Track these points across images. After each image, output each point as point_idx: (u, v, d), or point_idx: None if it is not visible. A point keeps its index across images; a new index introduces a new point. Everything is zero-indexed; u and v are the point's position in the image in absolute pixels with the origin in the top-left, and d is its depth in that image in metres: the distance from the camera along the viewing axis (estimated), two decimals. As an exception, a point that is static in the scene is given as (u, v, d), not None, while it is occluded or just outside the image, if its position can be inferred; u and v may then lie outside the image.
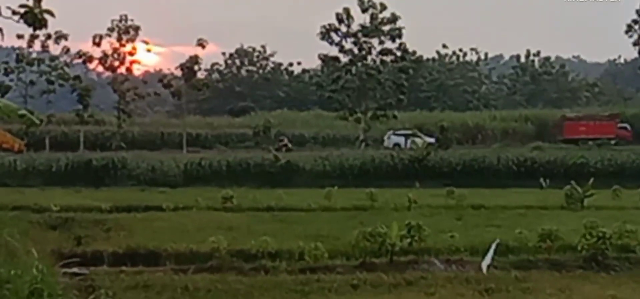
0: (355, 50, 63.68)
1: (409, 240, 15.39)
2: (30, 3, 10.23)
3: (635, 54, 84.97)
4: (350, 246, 15.84)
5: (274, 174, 40.17)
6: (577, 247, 14.96)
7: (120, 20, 67.98)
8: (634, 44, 77.75)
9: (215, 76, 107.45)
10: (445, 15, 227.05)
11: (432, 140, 66.20)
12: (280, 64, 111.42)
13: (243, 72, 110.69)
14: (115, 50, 67.92)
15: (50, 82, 67.54)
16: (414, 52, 69.46)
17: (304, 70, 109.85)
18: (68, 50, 69.47)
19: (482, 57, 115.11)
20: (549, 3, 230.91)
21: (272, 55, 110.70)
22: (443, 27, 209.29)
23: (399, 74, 64.30)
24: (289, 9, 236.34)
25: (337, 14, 63.51)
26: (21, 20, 10.33)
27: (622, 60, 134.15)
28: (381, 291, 12.70)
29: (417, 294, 12.49)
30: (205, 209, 24.44)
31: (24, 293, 9.42)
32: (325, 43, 64.51)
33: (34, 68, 69.00)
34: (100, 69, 73.05)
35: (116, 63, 68.32)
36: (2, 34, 10.70)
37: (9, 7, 10.24)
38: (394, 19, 62.35)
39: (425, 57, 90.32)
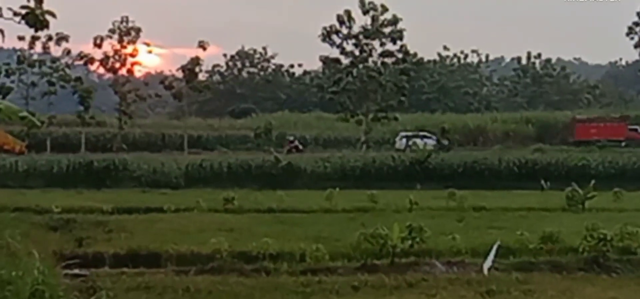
0: (357, 52, 63.68)
1: (410, 242, 15.37)
2: (32, 4, 10.21)
3: (636, 56, 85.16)
4: (352, 248, 15.85)
5: (275, 176, 40.20)
6: (579, 249, 14.94)
7: (121, 22, 68.10)
8: (635, 46, 77.93)
9: (217, 77, 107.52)
10: (446, 18, 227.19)
11: (444, 142, 66.50)
12: (282, 66, 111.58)
13: (244, 73, 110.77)
14: (116, 51, 67.99)
15: (52, 84, 67.56)
16: (415, 54, 69.51)
17: (305, 72, 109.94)
18: (69, 51, 69.59)
19: (483, 59, 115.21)
20: (550, 5, 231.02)
21: (273, 57, 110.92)
22: (444, 29, 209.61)
23: (400, 76, 64.28)
24: (290, 11, 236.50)
25: (338, 16, 63.54)
26: (22, 22, 10.30)
27: (623, 63, 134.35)
28: (382, 292, 12.69)
29: (418, 296, 12.48)
30: (207, 210, 24.45)
31: (25, 294, 9.41)
32: (326, 45, 64.57)
33: (35, 70, 69.04)
34: (101, 70, 73.24)
35: (117, 65, 68.40)
36: (3, 36, 10.68)
37: (10, 8, 10.23)
38: (395, 21, 62.34)
39: (426, 59, 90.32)
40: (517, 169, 41.95)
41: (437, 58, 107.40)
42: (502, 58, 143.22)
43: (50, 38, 67.23)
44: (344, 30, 63.82)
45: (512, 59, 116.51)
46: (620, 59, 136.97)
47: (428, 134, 67.35)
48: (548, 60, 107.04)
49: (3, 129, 15.37)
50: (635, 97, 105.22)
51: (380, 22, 62.43)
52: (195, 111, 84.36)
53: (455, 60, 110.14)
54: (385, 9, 62.16)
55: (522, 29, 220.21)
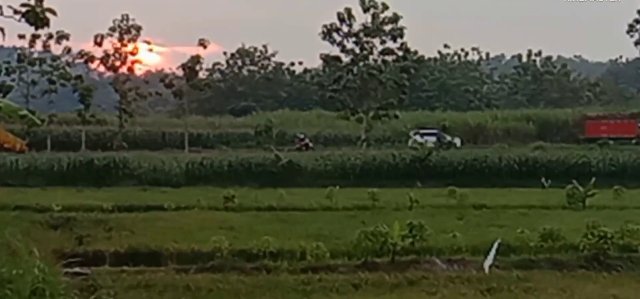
0: (357, 50, 63.63)
1: (410, 240, 15.39)
2: (32, 2, 10.21)
3: (637, 54, 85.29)
4: (352, 246, 15.85)
5: (276, 174, 40.15)
6: (579, 246, 14.96)
7: (121, 20, 68.10)
8: (636, 44, 77.76)
9: (217, 75, 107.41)
10: (446, 15, 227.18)
11: (456, 140, 66.54)
12: (282, 64, 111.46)
13: (245, 72, 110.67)
14: (116, 50, 67.99)
15: (52, 82, 67.54)
16: (416, 52, 69.36)
17: (306, 70, 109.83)
18: (70, 50, 69.58)
19: (484, 56, 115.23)
20: (551, 3, 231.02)
21: (273, 55, 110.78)
22: (444, 27, 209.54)
23: (401, 73, 64.22)
24: (291, 9, 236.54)
25: (339, 14, 63.49)
26: (23, 20, 10.30)
27: (623, 60, 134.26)
28: (383, 290, 12.69)
29: (418, 293, 12.48)
30: (207, 209, 24.45)
31: (25, 292, 9.41)
32: (326, 43, 64.48)
33: (36, 68, 69.01)
34: (101, 68, 73.25)
35: (118, 63, 68.41)
36: (4, 34, 10.68)
37: (10, 6, 10.23)
38: (395, 18, 62.27)
39: (426, 57, 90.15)
40: (518, 166, 41.89)
41: (438, 56, 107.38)
42: (503, 56, 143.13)
43: (50, 36, 67.25)
44: (345, 28, 63.76)
45: (513, 57, 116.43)
46: (621, 57, 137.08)
47: (443, 133, 67.46)
48: (548, 58, 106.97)
49: (3, 128, 15.37)
50: (636, 95, 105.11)
51: (380, 19, 62.36)
52: (195, 109, 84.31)
53: (455, 58, 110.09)
54: (385, 7, 62.10)
55: (522, 26, 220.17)
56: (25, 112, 13.40)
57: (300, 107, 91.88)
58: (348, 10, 63.21)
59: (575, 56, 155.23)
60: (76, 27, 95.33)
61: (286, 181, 37.23)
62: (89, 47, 68.01)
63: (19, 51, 69.15)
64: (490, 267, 14.18)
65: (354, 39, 63.44)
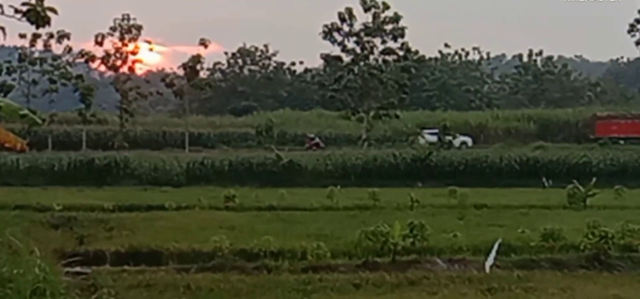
0: (358, 50, 63.76)
1: (411, 239, 15.39)
2: (33, 1, 10.20)
3: (638, 54, 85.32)
4: (353, 246, 15.85)
5: (276, 174, 40.16)
6: (580, 246, 14.94)
7: (122, 20, 68.13)
8: (637, 44, 77.80)
9: (218, 75, 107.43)
10: (447, 15, 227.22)
11: (468, 139, 66.47)
12: (283, 64, 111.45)
13: (245, 71, 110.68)
14: (117, 49, 68.03)
15: (53, 82, 67.65)
16: (417, 52, 69.44)
17: (307, 70, 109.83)
18: (70, 49, 69.73)
19: (485, 56, 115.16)
20: (552, 2, 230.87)
21: (274, 54, 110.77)
22: (445, 27, 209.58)
23: (402, 73, 64.34)
24: (292, 9, 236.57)
25: (340, 14, 63.60)
26: (24, 19, 10.30)
27: (624, 60, 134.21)
28: (383, 290, 12.68)
29: (419, 293, 12.47)
30: (208, 208, 24.44)
31: (26, 292, 9.41)
32: (327, 42, 64.71)
33: (37, 67, 69.14)
34: (102, 68, 73.27)
35: (118, 62, 68.45)
36: (5, 33, 10.67)
37: (11, 6, 10.22)
38: (396, 18, 62.38)
39: (427, 57, 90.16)
40: (519, 166, 41.88)
41: (439, 55, 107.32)
42: (504, 55, 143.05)
43: (51, 36, 67.41)
44: (345, 28, 63.93)
45: (514, 57, 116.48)
46: (622, 57, 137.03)
47: (453, 132, 67.46)
48: (549, 58, 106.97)
49: (4, 127, 15.37)
50: (636, 95, 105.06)
51: (381, 19, 62.48)
52: (196, 108, 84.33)
53: (456, 57, 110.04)
54: (386, 7, 62.21)
55: (523, 26, 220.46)
56: (26, 111, 13.40)
57: (301, 107, 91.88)
58: (349, 10, 63.33)
59: (576, 56, 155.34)
60: (77, 26, 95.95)
61: (287, 181, 37.23)
62: (90, 46, 68.15)
63: (19, 51, 69.27)
64: (491, 267, 14.17)
65: (354, 38, 63.60)
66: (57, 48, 69.22)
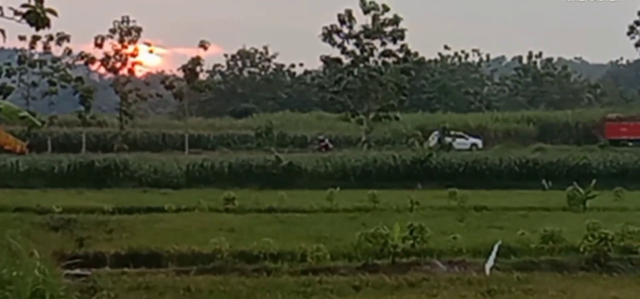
0: (357, 52, 63.75)
1: (411, 241, 15.38)
2: (33, 2, 10.19)
3: (637, 56, 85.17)
4: (352, 248, 15.85)
5: (276, 176, 40.18)
6: (580, 248, 14.92)
7: (122, 22, 68.17)
8: (636, 46, 77.85)
9: (217, 77, 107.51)
10: (447, 17, 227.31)
11: (479, 141, 66.52)
12: (282, 66, 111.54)
13: (245, 73, 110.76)
14: (117, 51, 68.06)
15: (52, 84, 67.63)
16: (416, 54, 69.43)
17: (306, 72, 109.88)
18: (70, 51, 69.70)
19: (484, 58, 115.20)
20: (551, 4, 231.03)
21: (274, 56, 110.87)
22: (445, 29, 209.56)
23: (401, 75, 64.34)
24: (291, 11, 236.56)
25: (339, 16, 63.59)
26: (23, 20, 10.28)
27: (624, 62, 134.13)
28: (383, 292, 12.67)
29: (419, 295, 12.46)
30: (207, 210, 24.44)
31: (26, 294, 9.40)
32: (327, 44, 64.68)
33: (36, 69, 69.14)
34: (102, 70, 73.37)
35: (118, 64, 68.48)
36: (4, 35, 10.66)
37: (11, 8, 10.21)
38: (396, 20, 62.38)
39: (427, 59, 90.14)
40: (518, 168, 41.92)
41: (438, 57, 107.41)
42: (503, 57, 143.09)
43: (51, 38, 67.39)
44: (345, 30, 63.91)
45: (513, 59, 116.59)
46: (621, 58, 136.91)
47: (462, 134, 67.58)
48: (549, 60, 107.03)
49: (4, 129, 15.37)
50: (636, 97, 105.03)
51: (381, 21, 62.48)
52: (196, 110, 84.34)
53: (456, 59, 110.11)
54: (386, 9, 62.21)
55: (523, 28, 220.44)
56: (25, 113, 13.38)
57: (300, 109, 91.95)
58: (348, 12, 63.33)
59: (575, 58, 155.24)
60: (77, 28, 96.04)
61: (286, 183, 37.26)
62: (90, 48, 68.25)
63: (19, 53, 69.31)
64: (490, 269, 14.16)
65: (354, 40, 63.59)
66: (56, 50, 69.31)
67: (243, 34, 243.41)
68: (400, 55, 63.47)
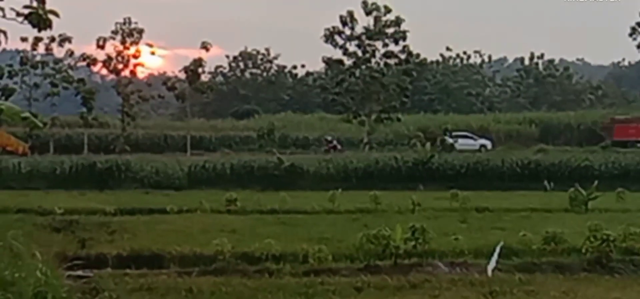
0: (359, 53, 63.80)
1: (413, 243, 15.38)
2: (35, 4, 10.19)
3: (639, 57, 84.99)
4: (354, 249, 15.84)
5: (278, 177, 40.14)
6: (582, 250, 14.92)
7: (124, 23, 68.19)
8: (638, 47, 77.72)
9: (219, 78, 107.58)
10: (449, 18, 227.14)
11: (487, 142, 66.50)
12: (284, 67, 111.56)
13: (247, 74, 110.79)
14: (119, 53, 68.07)
15: (54, 85, 67.68)
16: (418, 55, 69.45)
17: (308, 73, 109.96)
18: (72, 53, 69.73)
19: (486, 59, 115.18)
20: (553, 6, 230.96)
21: (276, 57, 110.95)
22: (447, 30, 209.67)
23: (403, 76, 64.36)
24: (293, 12, 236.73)
25: (341, 17, 63.64)
26: (25, 22, 10.29)
27: (626, 63, 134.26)
28: (385, 293, 12.67)
29: (421, 297, 12.47)
30: (209, 211, 24.42)
31: (28, 295, 9.41)
32: (329, 46, 64.76)
33: (38, 71, 69.18)
34: (104, 71, 73.31)
35: (120, 66, 68.48)
36: (6, 37, 10.67)
37: (13, 9, 10.21)
38: (397, 22, 62.44)
39: (429, 60, 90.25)
40: (520, 169, 41.85)
41: (440, 59, 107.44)
42: (505, 59, 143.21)
43: (53, 39, 67.45)
44: (347, 31, 63.99)
45: (515, 60, 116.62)
46: (623, 60, 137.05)
47: (470, 135, 67.57)
48: (551, 61, 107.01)
49: (6, 130, 15.39)
50: (638, 98, 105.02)
51: (383, 23, 62.54)
52: (197, 112, 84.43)
53: (458, 61, 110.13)
54: (388, 10, 62.26)
55: (525, 29, 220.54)
56: (27, 115, 13.40)
57: (302, 110, 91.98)
58: (350, 14, 63.39)
59: (577, 59, 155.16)
60: (79, 30, 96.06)
61: (288, 184, 37.21)
62: (92, 50, 68.34)
63: (21, 54, 69.35)
64: (492, 270, 14.16)
65: (356, 42, 63.65)
66: (58, 51, 69.33)
67: (245, 35, 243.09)
68: (402, 56, 63.51)
